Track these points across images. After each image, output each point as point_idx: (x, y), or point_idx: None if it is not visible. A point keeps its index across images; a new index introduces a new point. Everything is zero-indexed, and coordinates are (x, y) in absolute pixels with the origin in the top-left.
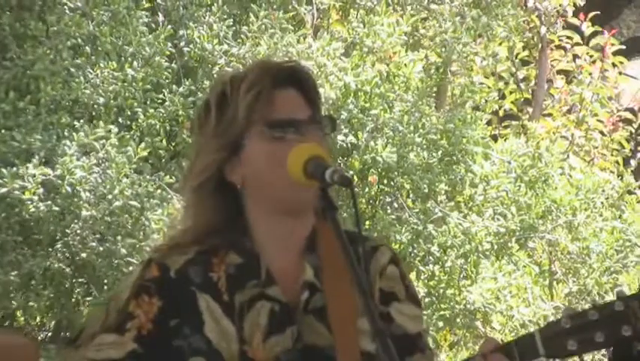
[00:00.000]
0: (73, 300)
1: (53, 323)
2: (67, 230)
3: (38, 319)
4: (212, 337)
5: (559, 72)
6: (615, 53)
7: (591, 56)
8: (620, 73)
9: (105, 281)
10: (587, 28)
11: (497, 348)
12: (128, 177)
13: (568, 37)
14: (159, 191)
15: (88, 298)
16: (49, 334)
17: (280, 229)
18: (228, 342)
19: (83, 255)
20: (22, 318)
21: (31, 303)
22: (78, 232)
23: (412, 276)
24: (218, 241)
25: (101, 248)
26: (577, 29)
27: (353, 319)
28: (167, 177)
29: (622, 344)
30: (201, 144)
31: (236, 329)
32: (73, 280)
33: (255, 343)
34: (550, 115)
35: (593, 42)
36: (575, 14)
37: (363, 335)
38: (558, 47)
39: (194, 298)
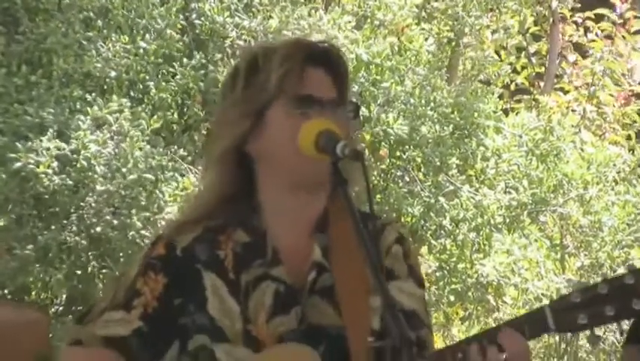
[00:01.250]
0: (89, 273)
1: (64, 296)
2: (82, 203)
3: (51, 293)
4: (215, 314)
5: (575, 47)
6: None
7: (603, 31)
8: (634, 49)
9: (120, 254)
10: (627, 11)
11: (509, 323)
12: (141, 150)
13: (595, 14)
14: (172, 163)
15: (103, 271)
16: (61, 308)
17: (291, 205)
18: (232, 320)
19: (98, 228)
20: (34, 293)
21: (49, 275)
22: (93, 205)
23: (424, 250)
24: (229, 216)
25: (116, 221)
26: (613, 8)
27: (364, 297)
28: (181, 150)
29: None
30: (226, 111)
31: (241, 309)
32: (89, 253)
33: (259, 322)
34: (562, 89)
35: (630, 25)
36: None
37: (375, 314)
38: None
39: (200, 276)
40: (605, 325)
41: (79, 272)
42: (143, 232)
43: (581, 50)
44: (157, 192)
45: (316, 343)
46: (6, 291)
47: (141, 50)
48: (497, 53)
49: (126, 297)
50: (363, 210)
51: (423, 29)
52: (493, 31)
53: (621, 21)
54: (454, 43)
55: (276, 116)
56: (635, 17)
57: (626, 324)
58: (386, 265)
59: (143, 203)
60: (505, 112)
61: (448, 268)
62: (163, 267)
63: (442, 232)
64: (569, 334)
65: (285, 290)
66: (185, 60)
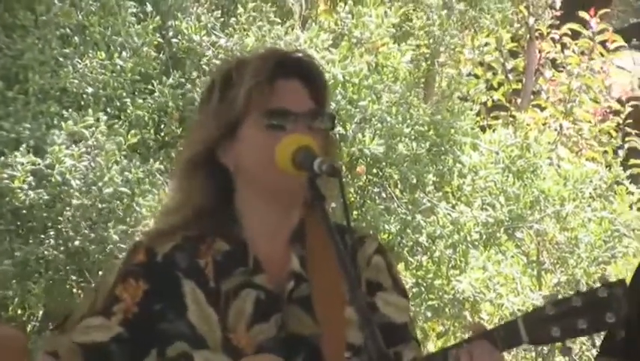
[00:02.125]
0: (67, 286)
1: (42, 313)
2: (59, 218)
3: (28, 309)
4: (195, 321)
5: (552, 63)
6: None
7: (579, 47)
8: (605, 62)
9: (99, 268)
10: (598, 25)
11: (481, 335)
12: (117, 164)
13: (570, 30)
14: (150, 178)
15: (82, 285)
16: (38, 325)
17: (269, 217)
18: (211, 328)
19: (76, 242)
20: (11, 309)
21: (28, 290)
22: (70, 219)
23: (401, 266)
24: (207, 227)
25: (93, 235)
26: (585, 24)
27: (339, 309)
28: (157, 163)
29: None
30: (200, 121)
31: (220, 318)
32: (67, 267)
33: (239, 330)
34: (538, 106)
35: (599, 38)
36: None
37: (350, 326)
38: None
39: (179, 284)
40: (578, 337)
41: (57, 286)
42: (120, 245)
43: (558, 66)
44: (134, 205)
45: (295, 352)
46: None
47: (118, 67)
48: (474, 70)
49: (105, 304)
50: (340, 224)
51: (400, 50)
52: (470, 50)
53: (599, 38)
54: (429, 62)
55: (249, 132)
56: (614, 32)
57: (598, 337)
58: (369, 277)
59: (120, 216)
60: (482, 129)
61: (424, 284)
62: (144, 273)
63: (419, 248)
64: (546, 349)
65: (267, 297)
66: (163, 78)
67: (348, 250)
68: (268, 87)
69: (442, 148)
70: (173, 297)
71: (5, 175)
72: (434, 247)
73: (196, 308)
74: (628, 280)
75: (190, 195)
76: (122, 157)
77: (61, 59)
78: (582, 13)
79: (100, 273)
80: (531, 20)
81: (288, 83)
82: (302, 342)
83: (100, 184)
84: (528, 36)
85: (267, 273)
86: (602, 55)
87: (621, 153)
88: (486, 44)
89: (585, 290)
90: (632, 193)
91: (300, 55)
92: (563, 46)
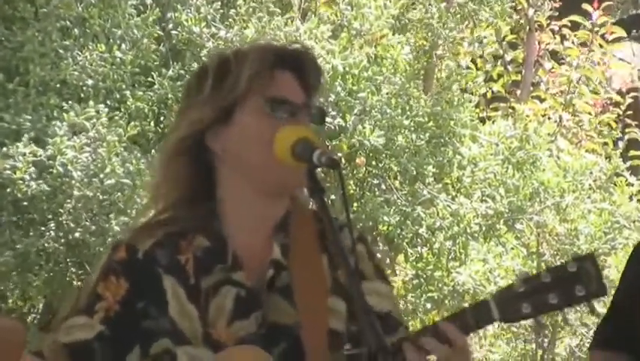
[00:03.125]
0: (68, 278)
1: (42, 305)
2: (60, 209)
3: (28, 301)
4: (177, 318)
5: (551, 54)
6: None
7: (579, 38)
8: (605, 53)
9: (99, 260)
10: (600, 17)
11: (451, 316)
12: (118, 156)
13: (570, 21)
14: (150, 170)
15: (82, 277)
16: (38, 317)
17: (254, 206)
18: (192, 323)
19: (77, 234)
20: (11, 301)
21: (28, 282)
22: (71, 211)
23: (400, 258)
24: (188, 222)
25: (94, 227)
26: (585, 15)
27: (321, 298)
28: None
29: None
30: (189, 108)
31: (200, 314)
32: (67, 259)
33: (218, 326)
34: (538, 97)
35: (598, 30)
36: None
37: (332, 314)
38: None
39: (160, 280)
40: (549, 312)
41: (58, 278)
42: (121, 236)
43: (557, 58)
44: (135, 196)
45: (276, 342)
46: None
47: (118, 60)
48: (473, 61)
49: (88, 302)
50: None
51: (400, 42)
52: (470, 43)
53: (598, 29)
54: (428, 55)
55: (246, 117)
56: (613, 24)
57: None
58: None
59: (121, 208)
60: (482, 120)
61: (424, 276)
62: (124, 271)
63: (419, 240)
64: (546, 341)
65: (246, 295)
66: (163, 70)
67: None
68: (269, 75)
69: (442, 140)
70: (154, 294)
71: (7, 166)
72: (434, 239)
73: (176, 304)
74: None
75: (174, 180)
76: (122, 149)
77: (61, 52)
78: (585, 6)
79: None
80: (530, 12)
81: (284, 75)
82: (283, 332)
83: (101, 176)
84: (527, 28)
85: (247, 269)
86: (602, 46)
87: (621, 144)
88: (483, 39)
89: (555, 266)
90: (632, 185)
91: (297, 47)
92: (563, 37)
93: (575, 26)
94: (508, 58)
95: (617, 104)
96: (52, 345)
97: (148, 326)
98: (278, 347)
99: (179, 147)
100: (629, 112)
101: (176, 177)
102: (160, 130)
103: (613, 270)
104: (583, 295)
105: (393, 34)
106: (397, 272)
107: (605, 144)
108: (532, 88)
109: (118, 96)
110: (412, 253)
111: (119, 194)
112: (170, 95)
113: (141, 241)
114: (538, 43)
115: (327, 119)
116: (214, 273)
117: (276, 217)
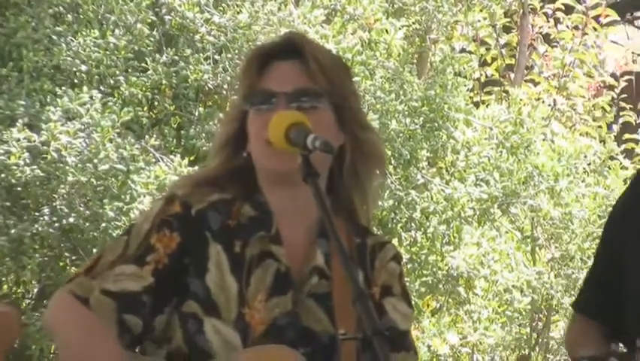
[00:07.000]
0: (61, 264)
1: (36, 290)
2: (53, 195)
3: (22, 287)
4: (212, 287)
5: (545, 38)
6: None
7: (573, 22)
8: (598, 36)
9: (93, 245)
10: (593, 0)
11: None
12: (112, 141)
13: (563, 5)
14: (144, 156)
15: (76, 262)
16: (33, 302)
17: (282, 199)
18: (227, 299)
19: (70, 219)
20: (6, 286)
21: (22, 267)
22: (65, 196)
23: (395, 242)
24: (237, 191)
25: (88, 212)
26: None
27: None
28: (152, 140)
29: None
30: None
31: (239, 288)
32: (61, 245)
33: (257, 301)
34: (532, 81)
35: (592, 13)
36: None
37: None
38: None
39: (207, 244)
40: None
41: (52, 263)
42: (115, 222)
43: (551, 41)
44: (129, 182)
45: (305, 343)
46: None
47: (111, 45)
48: (467, 43)
49: (139, 252)
50: (364, 226)
51: (393, 24)
52: (463, 26)
53: (592, 13)
54: (421, 39)
55: (249, 116)
56: (607, 7)
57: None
58: (384, 281)
59: (115, 193)
60: (476, 104)
61: (418, 260)
62: (178, 225)
63: (413, 224)
64: (540, 324)
65: (285, 271)
66: (156, 56)
67: (367, 251)
68: (257, 72)
69: (436, 124)
70: (198, 256)
71: (1, 151)
72: (428, 223)
73: (217, 274)
74: None
75: (225, 160)
76: (116, 135)
77: (54, 37)
78: None
79: (94, 251)
80: None
81: (283, 64)
82: (313, 338)
83: (95, 161)
84: (521, 11)
85: (287, 249)
86: (596, 29)
87: (615, 127)
88: (477, 22)
89: (622, 352)
90: (627, 168)
91: (286, 36)
92: (557, 21)
93: (568, 9)
94: (502, 42)
95: (611, 88)
96: (101, 297)
97: (187, 282)
98: (306, 348)
99: (226, 140)
100: (623, 95)
101: (228, 156)
102: (153, 115)
103: None
104: None
105: (387, 19)
106: None
107: (600, 127)
108: (526, 72)
109: (111, 82)
110: (405, 238)
111: (112, 179)
112: (163, 81)
113: (195, 200)
114: (532, 26)
115: None
116: (256, 239)
117: (308, 213)
